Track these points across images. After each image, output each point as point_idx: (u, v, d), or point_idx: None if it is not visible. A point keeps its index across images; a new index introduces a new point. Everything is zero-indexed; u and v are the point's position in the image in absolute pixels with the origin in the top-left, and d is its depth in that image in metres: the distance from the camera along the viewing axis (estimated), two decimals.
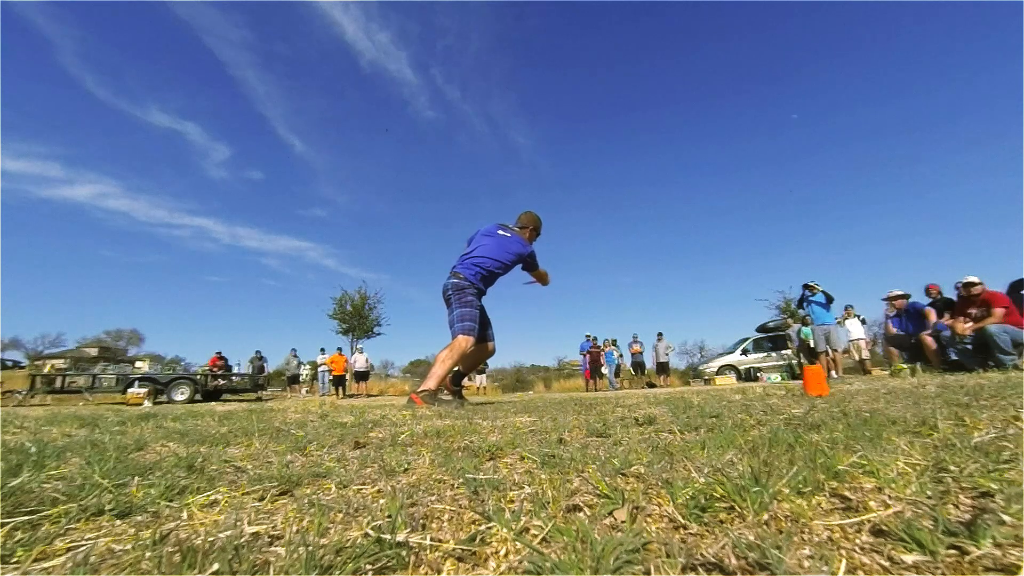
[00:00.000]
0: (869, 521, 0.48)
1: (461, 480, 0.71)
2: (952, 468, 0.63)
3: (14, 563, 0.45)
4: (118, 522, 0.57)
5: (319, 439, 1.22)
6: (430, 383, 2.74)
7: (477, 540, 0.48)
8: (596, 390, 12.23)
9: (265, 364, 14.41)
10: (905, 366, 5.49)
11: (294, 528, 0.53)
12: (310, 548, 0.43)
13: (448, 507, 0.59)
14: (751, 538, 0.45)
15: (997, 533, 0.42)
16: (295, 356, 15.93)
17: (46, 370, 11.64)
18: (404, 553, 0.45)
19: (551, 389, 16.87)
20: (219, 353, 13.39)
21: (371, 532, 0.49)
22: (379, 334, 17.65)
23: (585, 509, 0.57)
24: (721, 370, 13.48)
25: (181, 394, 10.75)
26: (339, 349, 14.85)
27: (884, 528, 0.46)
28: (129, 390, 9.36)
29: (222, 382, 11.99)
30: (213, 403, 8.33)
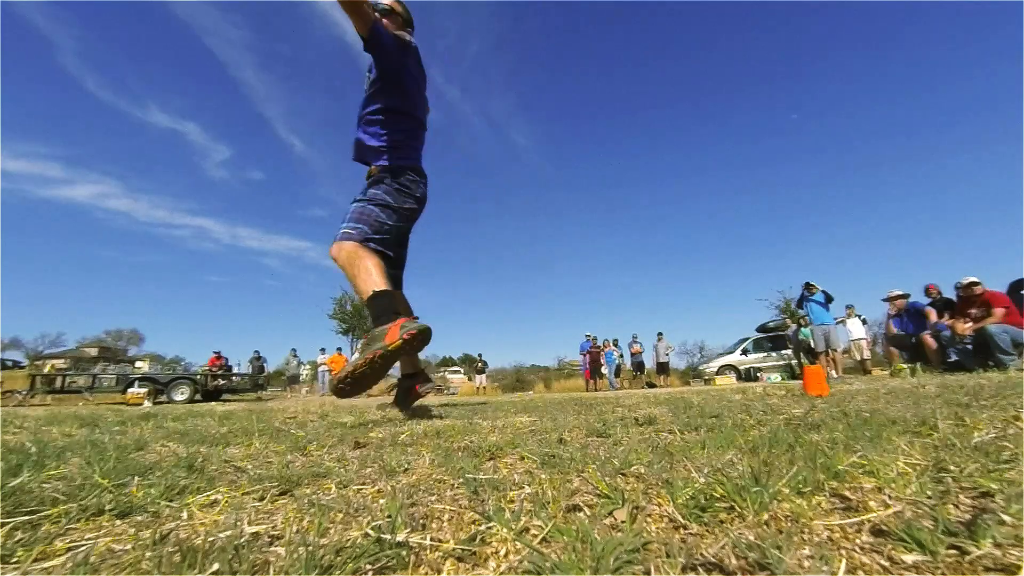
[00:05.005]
0: (869, 521, 0.48)
1: (461, 480, 0.71)
2: (952, 468, 0.63)
3: (14, 563, 0.45)
4: (118, 522, 0.57)
5: (319, 439, 1.22)
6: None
7: (477, 540, 0.48)
8: (596, 390, 12.23)
9: (265, 364, 14.40)
10: (905, 366, 5.49)
11: (294, 528, 0.53)
12: (310, 548, 0.43)
13: (448, 507, 0.59)
14: (751, 538, 0.45)
15: (997, 533, 0.42)
16: (295, 356, 15.93)
17: (46, 370, 11.64)
18: (404, 553, 0.45)
19: (551, 389, 16.86)
20: (218, 353, 13.39)
21: (371, 532, 0.49)
22: None
23: (585, 509, 0.57)
24: (721, 370, 13.49)
25: (181, 394, 10.74)
26: (339, 349, 14.87)
27: (884, 528, 0.46)
28: (129, 390, 9.36)
29: (222, 382, 11.98)
30: (213, 403, 8.32)
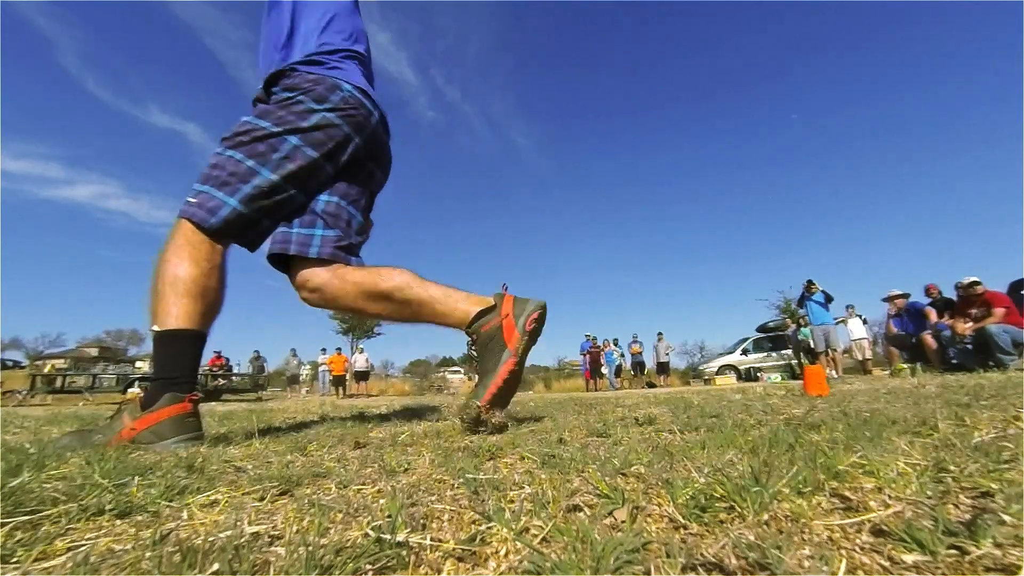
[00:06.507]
0: (869, 521, 0.48)
1: (461, 480, 0.71)
2: (952, 468, 0.63)
3: (14, 563, 0.45)
4: (118, 522, 0.57)
5: (319, 439, 1.22)
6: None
7: (477, 540, 0.48)
8: (596, 390, 12.23)
9: (265, 364, 14.41)
10: (905, 366, 5.50)
11: (294, 528, 0.53)
12: (310, 548, 0.43)
13: (448, 507, 0.59)
14: (751, 538, 0.44)
15: (997, 533, 0.42)
16: (295, 356, 15.93)
17: (46, 370, 11.66)
18: (404, 553, 0.45)
19: (551, 389, 16.85)
20: (218, 353, 13.39)
21: (371, 532, 0.49)
22: (379, 334, 17.75)
23: (585, 509, 0.57)
24: (721, 370, 13.51)
25: None
26: (339, 349, 14.88)
27: (884, 528, 0.46)
28: (129, 390, 9.37)
29: (222, 382, 11.98)
30: (213, 403, 8.32)
